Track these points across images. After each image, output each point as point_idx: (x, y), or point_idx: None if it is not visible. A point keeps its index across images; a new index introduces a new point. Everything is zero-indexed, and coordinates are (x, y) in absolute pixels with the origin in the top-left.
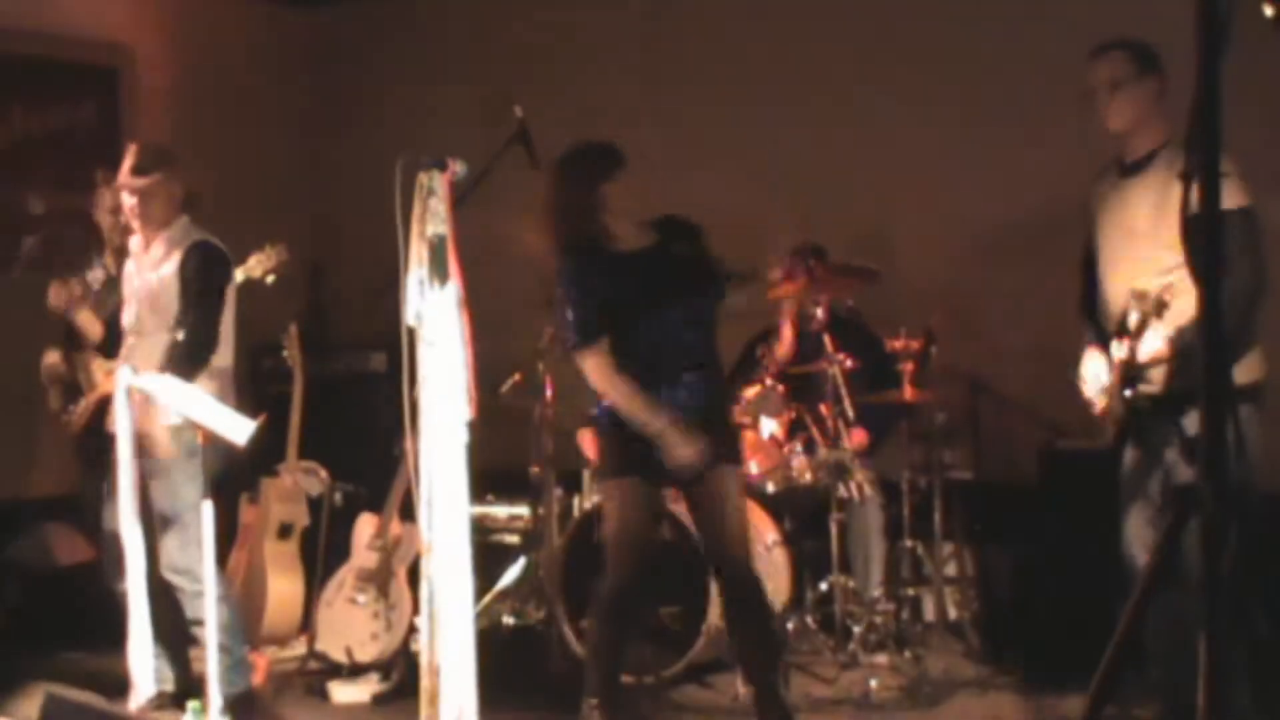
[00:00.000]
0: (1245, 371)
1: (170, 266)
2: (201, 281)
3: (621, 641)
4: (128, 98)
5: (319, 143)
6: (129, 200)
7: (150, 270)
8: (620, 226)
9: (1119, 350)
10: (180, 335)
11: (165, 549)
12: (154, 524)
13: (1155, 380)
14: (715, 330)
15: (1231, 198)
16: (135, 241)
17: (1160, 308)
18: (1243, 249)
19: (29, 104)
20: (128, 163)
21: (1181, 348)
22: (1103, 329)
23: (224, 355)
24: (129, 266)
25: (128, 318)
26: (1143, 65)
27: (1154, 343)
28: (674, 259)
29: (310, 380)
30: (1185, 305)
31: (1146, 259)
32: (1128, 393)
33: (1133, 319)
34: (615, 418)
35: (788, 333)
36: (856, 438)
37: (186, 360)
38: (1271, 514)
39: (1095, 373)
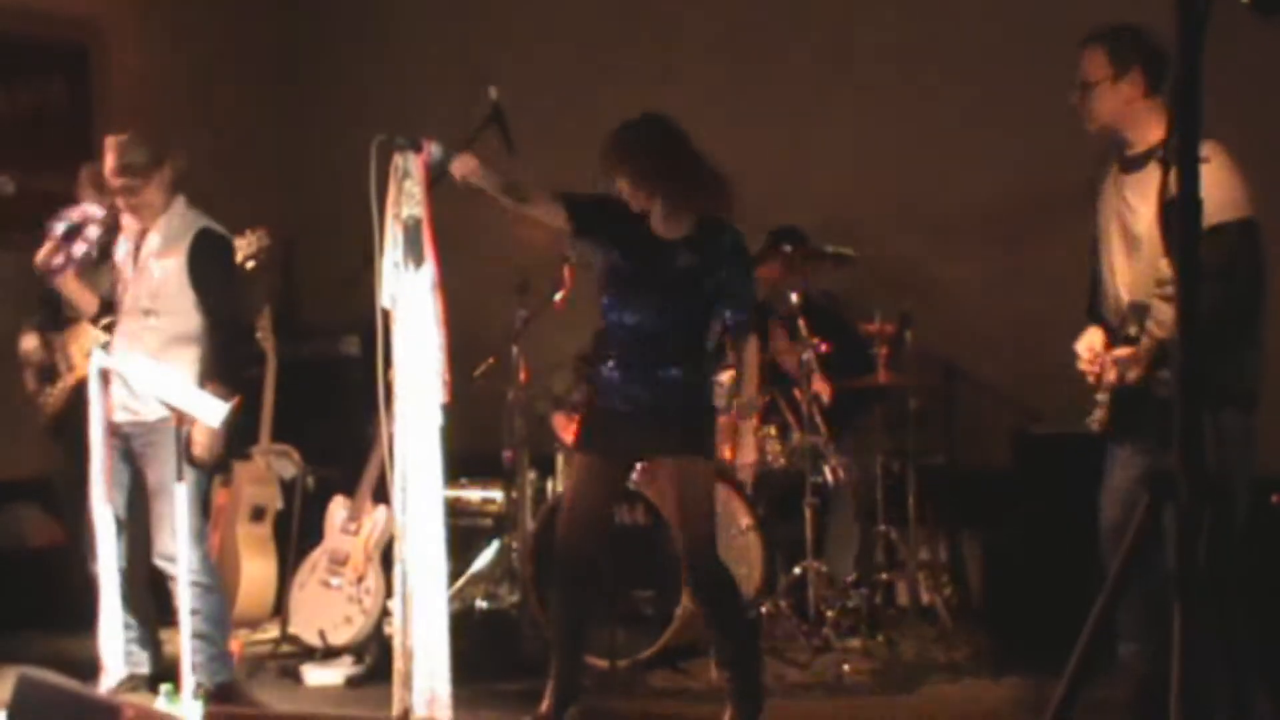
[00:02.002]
0: (1243, 379)
1: (175, 259)
2: (220, 273)
3: (573, 617)
4: (98, 76)
5: (292, 123)
6: (120, 195)
7: (152, 259)
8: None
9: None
10: (215, 331)
11: (159, 537)
12: (144, 511)
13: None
14: (702, 331)
15: (1235, 208)
16: (128, 222)
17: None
18: (1243, 261)
19: None
20: (111, 161)
21: (1161, 357)
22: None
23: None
24: (122, 248)
25: (126, 301)
26: (1122, 63)
27: (1132, 366)
28: (688, 269)
29: (283, 363)
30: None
31: (1146, 268)
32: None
33: (1131, 333)
34: (588, 396)
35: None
36: (818, 386)
37: (231, 350)
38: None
39: (1090, 345)
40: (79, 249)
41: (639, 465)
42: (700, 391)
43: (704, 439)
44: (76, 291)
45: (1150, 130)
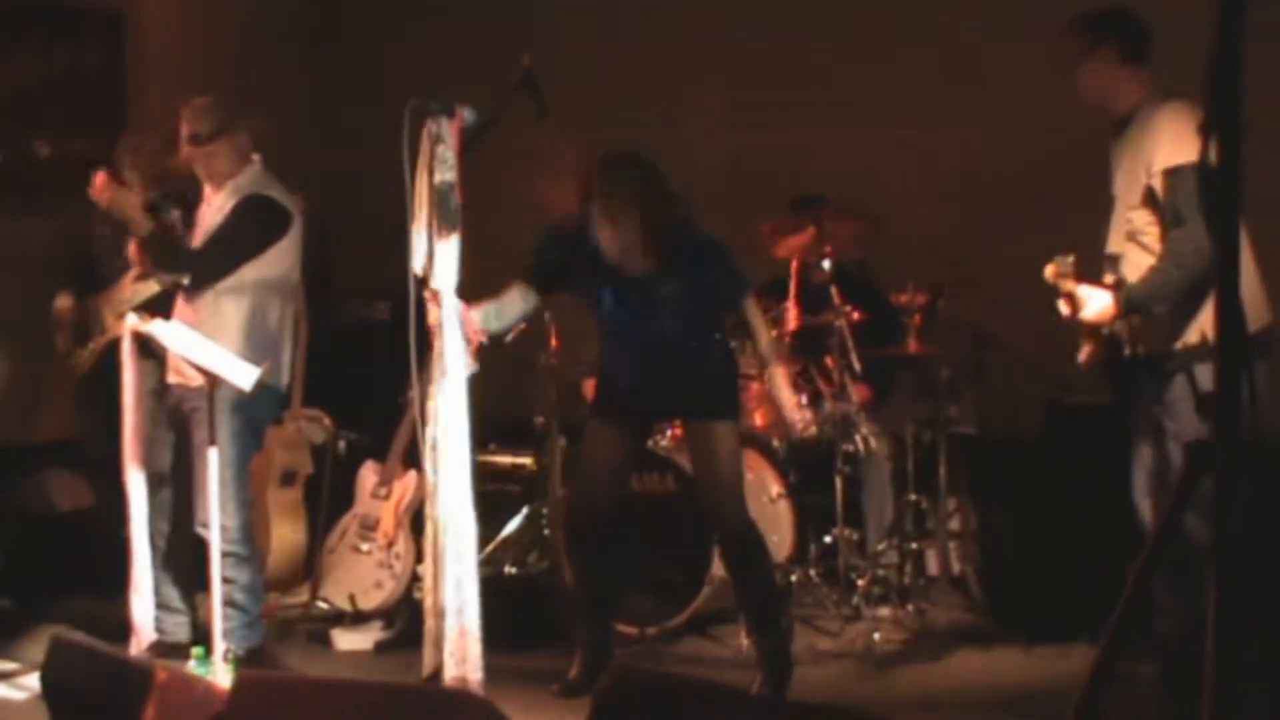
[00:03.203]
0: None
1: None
2: (233, 227)
3: (593, 583)
4: (131, 41)
5: (325, 87)
6: (194, 162)
7: (214, 217)
8: (630, 255)
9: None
10: (205, 244)
11: (201, 505)
12: (188, 480)
13: (1127, 342)
14: (708, 321)
15: (1190, 152)
16: (206, 190)
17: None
18: (1196, 206)
19: (33, 48)
20: (186, 128)
21: (1127, 304)
22: None
23: (277, 317)
24: (201, 212)
25: None
26: (1094, 38)
27: (1100, 301)
28: (665, 296)
29: (314, 328)
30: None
31: (1120, 221)
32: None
33: (1108, 281)
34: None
35: (793, 308)
36: (860, 394)
37: (178, 258)
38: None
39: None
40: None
41: (670, 431)
42: (716, 357)
43: (724, 401)
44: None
45: (1128, 98)
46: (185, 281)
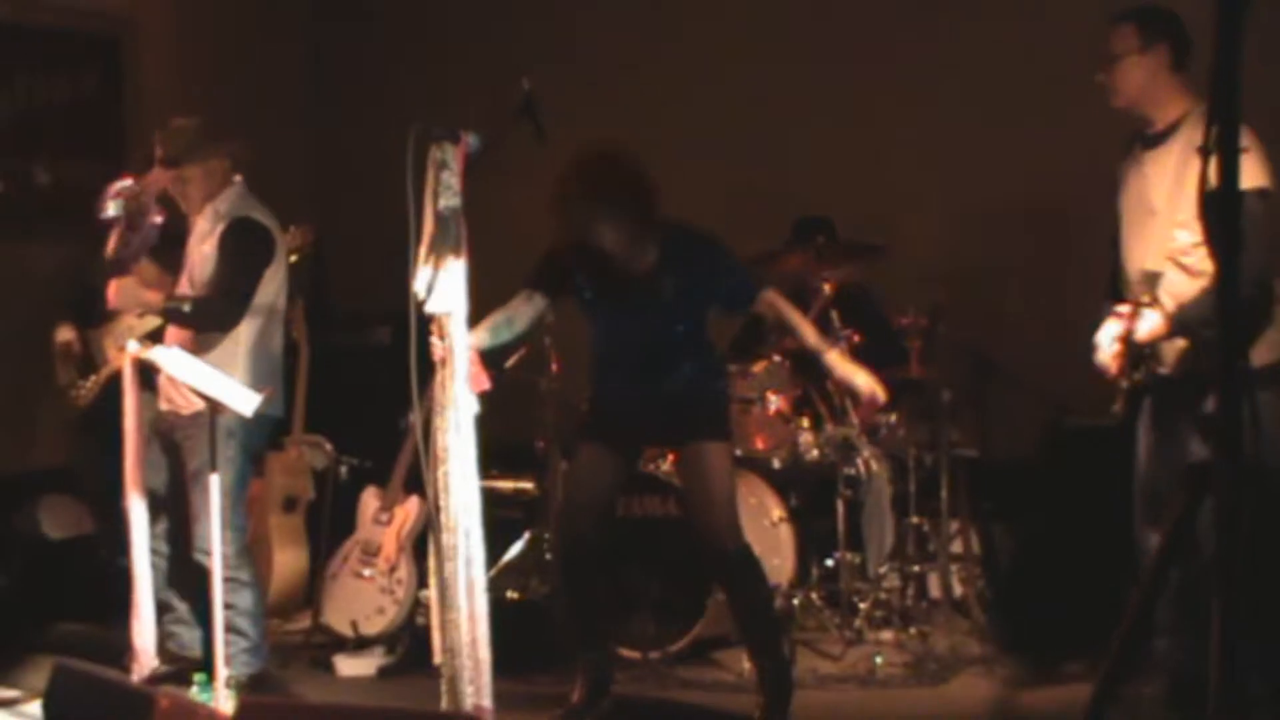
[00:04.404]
0: (1261, 354)
1: (210, 247)
2: (231, 260)
3: (584, 606)
4: (130, 67)
5: (323, 113)
6: (168, 185)
7: (198, 244)
8: (617, 254)
9: (1119, 326)
10: (208, 291)
11: (198, 532)
12: (183, 506)
13: (1167, 362)
14: (702, 329)
15: (1249, 177)
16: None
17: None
18: (1256, 229)
19: (32, 74)
20: (158, 150)
21: (1179, 324)
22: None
23: (274, 339)
24: (189, 245)
25: (181, 288)
26: (1149, 36)
27: (1152, 320)
28: (664, 298)
29: (314, 353)
30: (1192, 288)
31: (1161, 237)
32: (1135, 374)
33: (1144, 300)
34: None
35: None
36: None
37: (202, 316)
38: None
39: (1109, 337)
40: (146, 228)
41: (670, 455)
42: (708, 378)
43: (715, 423)
44: (153, 279)
45: (1170, 108)
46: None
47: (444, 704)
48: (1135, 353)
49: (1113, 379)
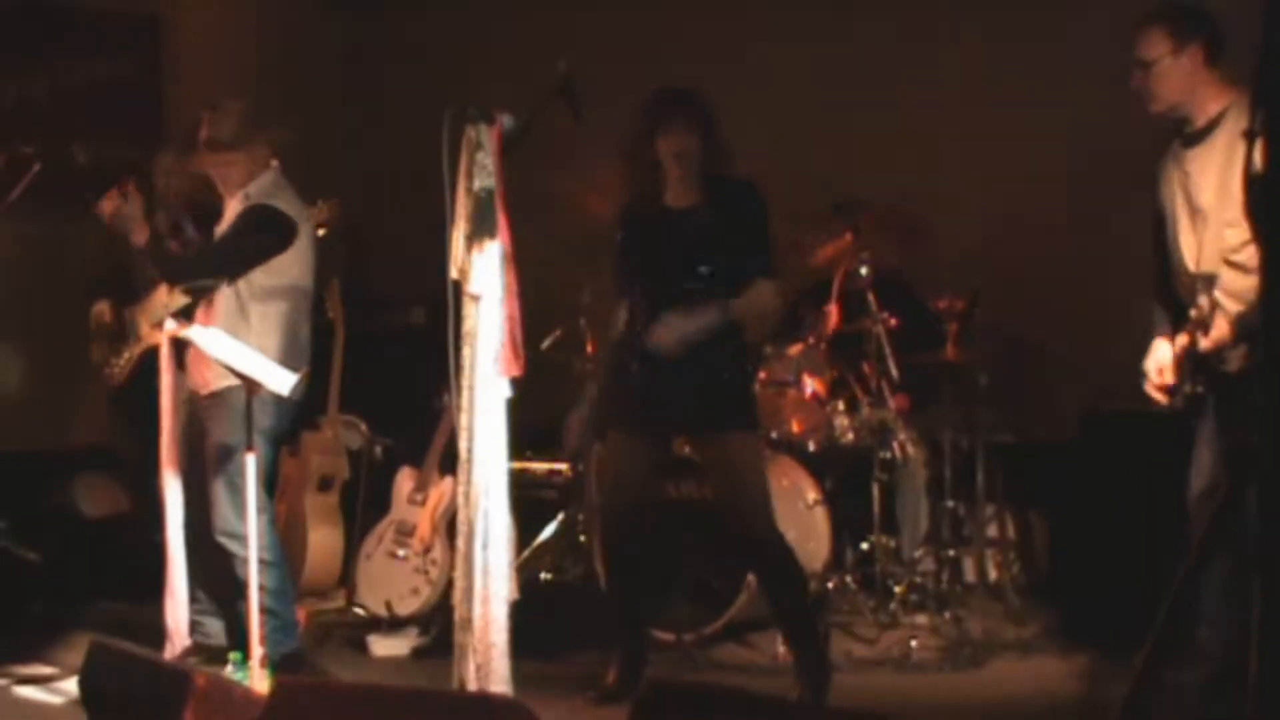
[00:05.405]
0: None
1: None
2: (231, 238)
3: (632, 594)
4: (168, 48)
5: (363, 93)
6: (208, 166)
7: (225, 227)
8: (673, 179)
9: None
10: (206, 247)
11: (220, 513)
12: (209, 486)
13: (1232, 360)
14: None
15: None
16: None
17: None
18: None
19: (71, 54)
20: (205, 132)
21: (1244, 329)
22: (1173, 313)
23: (301, 321)
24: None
25: None
26: (1180, 38)
27: (1215, 330)
28: (701, 228)
29: (350, 334)
30: (1249, 285)
31: (1212, 239)
32: (1196, 387)
33: (1202, 303)
34: (610, 373)
35: (834, 310)
36: (899, 403)
37: (172, 265)
38: None
39: (1160, 365)
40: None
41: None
42: (735, 361)
43: (739, 411)
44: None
45: (1209, 103)
46: (212, 285)
47: (456, 676)
48: (1195, 362)
49: (1163, 407)
